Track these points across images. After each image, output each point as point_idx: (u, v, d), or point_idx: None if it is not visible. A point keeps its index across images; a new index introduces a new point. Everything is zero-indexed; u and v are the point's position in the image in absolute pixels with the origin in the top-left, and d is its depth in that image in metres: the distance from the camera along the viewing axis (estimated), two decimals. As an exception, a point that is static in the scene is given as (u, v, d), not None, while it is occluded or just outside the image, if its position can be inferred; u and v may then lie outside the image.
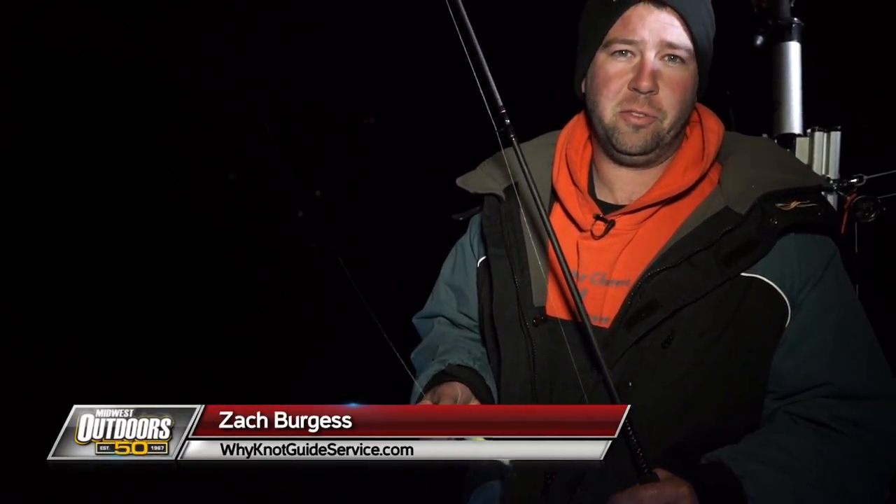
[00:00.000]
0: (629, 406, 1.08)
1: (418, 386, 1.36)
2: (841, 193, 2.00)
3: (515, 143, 1.19)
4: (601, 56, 1.34)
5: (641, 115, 1.31)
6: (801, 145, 2.04)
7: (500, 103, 1.16)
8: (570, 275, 1.21)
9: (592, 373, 1.24)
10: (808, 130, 2.03)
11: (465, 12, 1.15)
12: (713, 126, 1.38)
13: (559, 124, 1.50)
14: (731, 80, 2.06)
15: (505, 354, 1.34)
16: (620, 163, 1.38)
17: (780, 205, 1.27)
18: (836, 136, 2.03)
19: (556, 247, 1.20)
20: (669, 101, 1.30)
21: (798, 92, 2.05)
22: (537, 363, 1.30)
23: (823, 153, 2.05)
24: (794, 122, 2.05)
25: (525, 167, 1.21)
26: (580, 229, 1.37)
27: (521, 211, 1.38)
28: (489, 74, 1.13)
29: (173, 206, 6.54)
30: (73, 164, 6.22)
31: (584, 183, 1.41)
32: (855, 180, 1.98)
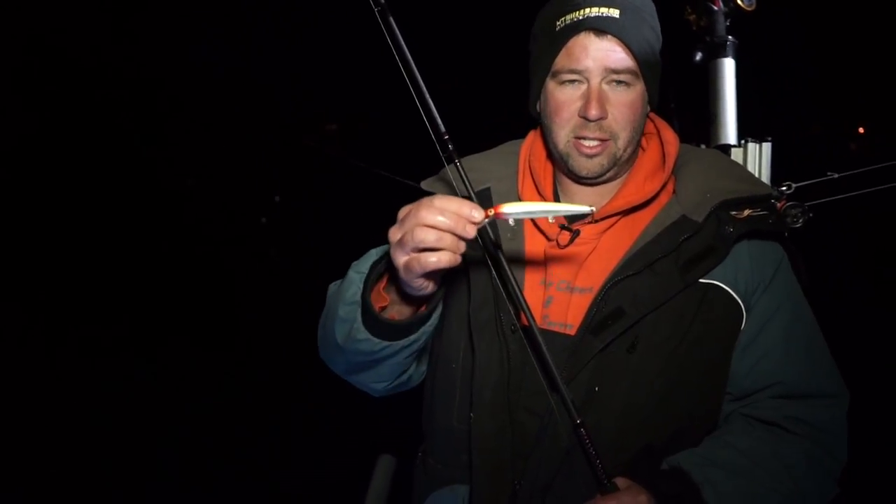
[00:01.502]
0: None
1: (357, 279, 1.30)
2: (772, 200, 2.13)
3: (460, 166, 1.21)
4: (550, 84, 1.35)
5: (594, 143, 1.32)
6: (736, 155, 2.15)
7: (443, 129, 1.18)
8: (518, 286, 1.22)
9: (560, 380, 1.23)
10: (742, 141, 2.13)
11: (409, 55, 1.16)
12: (671, 138, 1.41)
13: (499, 141, 1.53)
14: (676, 94, 2.17)
15: (480, 357, 1.33)
16: (578, 182, 1.40)
17: (734, 213, 1.31)
18: (767, 146, 2.13)
19: (503, 262, 1.21)
20: (620, 122, 1.32)
21: (733, 105, 2.13)
22: (512, 369, 1.30)
23: (756, 162, 2.17)
24: (730, 134, 2.14)
25: (469, 189, 1.22)
26: (547, 238, 1.38)
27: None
28: (432, 105, 1.16)
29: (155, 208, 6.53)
30: (57, 169, 6.18)
31: (549, 193, 1.43)
32: (784, 188, 2.10)
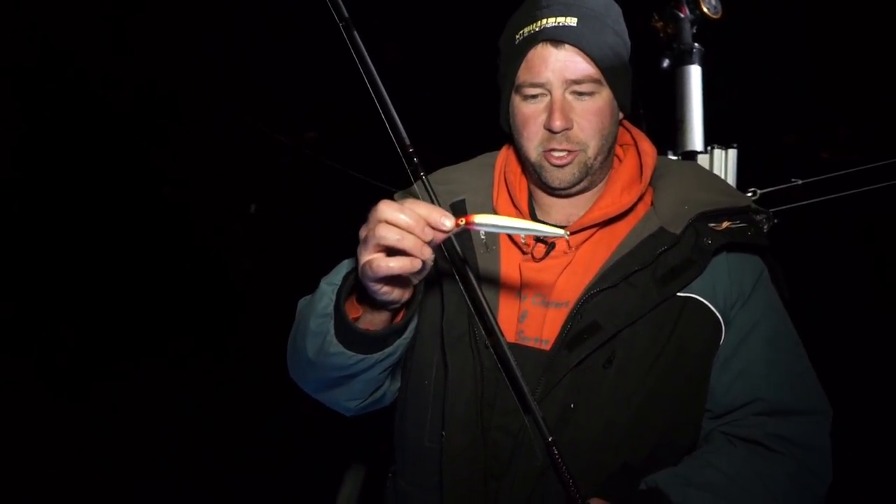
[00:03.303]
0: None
1: (329, 290, 1.25)
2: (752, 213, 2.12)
3: (425, 180, 1.16)
4: (515, 98, 1.31)
5: (563, 154, 1.28)
6: (702, 161, 2.14)
7: (408, 142, 1.14)
8: (488, 302, 1.17)
9: (532, 398, 1.17)
10: (709, 147, 2.12)
11: (374, 70, 1.13)
12: (648, 149, 1.37)
13: (464, 156, 1.49)
14: (644, 100, 2.16)
15: (452, 373, 1.27)
16: (553, 194, 1.36)
17: (712, 225, 1.26)
18: (732, 153, 2.13)
19: (472, 277, 1.15)
20: (587, 132, 1.28)
21: (699, 111, 2.11)
22: (485, 386, 1.24)
23: (722, 169, 2.18)
24: (696, 140, 2.12)
25: (436, 201, 1.16)
26: (522, 252, 1.33)
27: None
28: (398, 120, 1.13)
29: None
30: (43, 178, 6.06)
31: (524, 206, 1.38)
32: (750, 194, 2.11)
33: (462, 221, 1.05)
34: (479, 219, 1.05)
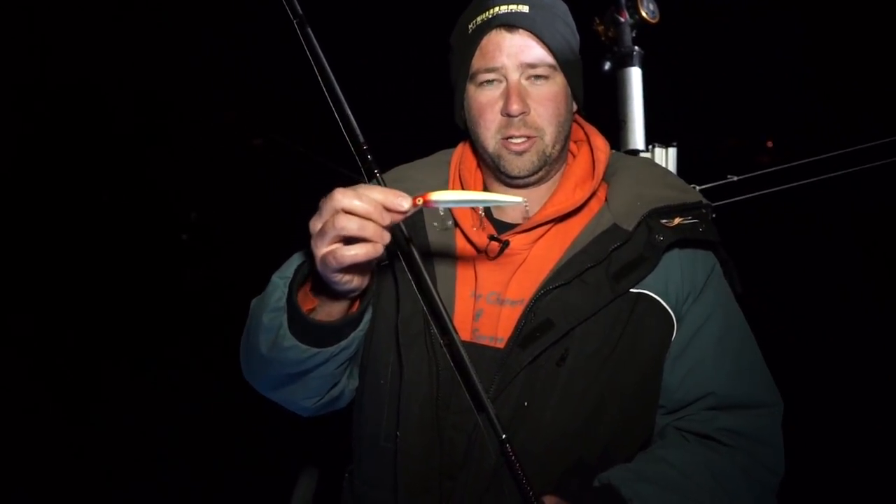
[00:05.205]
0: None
1: (281, 284, 1.20)
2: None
3: (379, 176, 1.13)
4: (470, 88, 1.29)
5: (522, 140, 1.26)
6: (643, 160, 2.23)
7: (362, 140, 1.10)
8: (441, 300, 1.13)
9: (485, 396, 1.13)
10: (650, 146, 2.16)
11: (328, 67, 1.10)
12: (601, 145, 1.35)
13: (421, 153, 1.48)
14: (587, 101, 2.20)
15: (408, 372, 1.24)
16: (510, 185, 1.33)
17: (664, 221, 1.25)
18: (672, 151, 2.18)
19: (427, 277, 1.11)
20: (544, 117, 1.26)
21: (640, 111, 2.15)
22: (441, 385, 1.22)
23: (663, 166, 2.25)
24: (638, 139, 2.16)
25: None
26: (477, 250, 1.31)
27: (427, 227, 1.31)
28: (351, 117, 1.09)
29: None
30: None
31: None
32: (689, 190, 2.18)
33: (419, 200, 1.02)
34: (436, 196, 1.03)
